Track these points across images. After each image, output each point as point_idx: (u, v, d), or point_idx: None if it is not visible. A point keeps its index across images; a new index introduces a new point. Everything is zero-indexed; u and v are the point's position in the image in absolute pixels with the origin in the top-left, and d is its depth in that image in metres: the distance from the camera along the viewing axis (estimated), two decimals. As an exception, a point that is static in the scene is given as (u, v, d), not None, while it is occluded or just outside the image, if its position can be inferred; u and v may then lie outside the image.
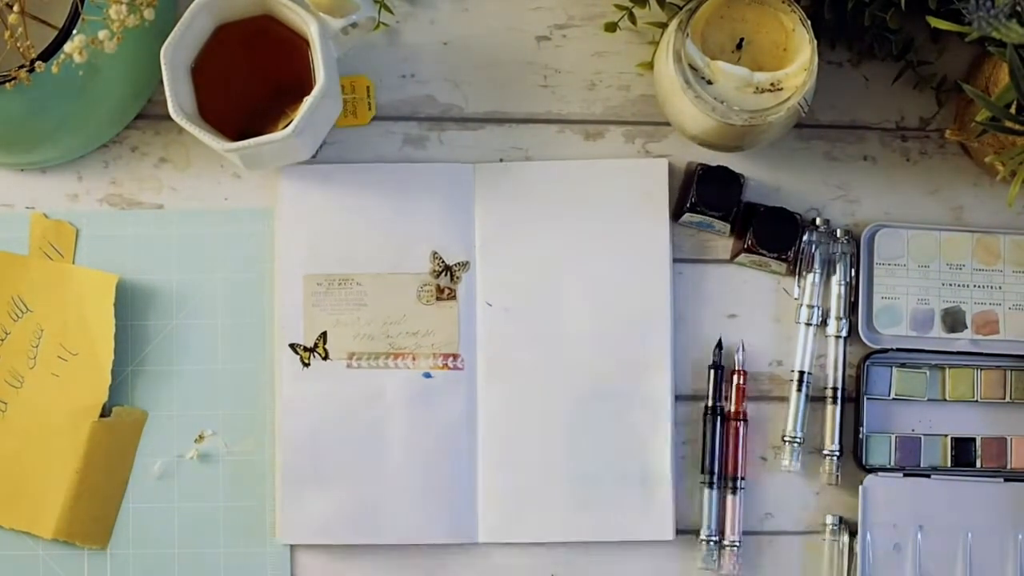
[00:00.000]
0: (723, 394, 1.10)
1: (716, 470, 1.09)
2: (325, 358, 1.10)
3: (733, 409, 1.10)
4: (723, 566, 1.09)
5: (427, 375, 1.10)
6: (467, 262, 1.10)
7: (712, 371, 1.10)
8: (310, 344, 1.10)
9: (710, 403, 1.10)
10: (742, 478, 1.09)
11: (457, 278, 1.10)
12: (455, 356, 1.10)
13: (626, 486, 1.09)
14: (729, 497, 1.09)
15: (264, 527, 1.09)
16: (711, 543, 1.09)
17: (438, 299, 1.10)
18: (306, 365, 1.10)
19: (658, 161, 1.11)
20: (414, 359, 1.10)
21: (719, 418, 1.10)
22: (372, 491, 1.09)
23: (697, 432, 1.10)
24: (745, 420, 1.10)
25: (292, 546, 1.09)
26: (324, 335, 1.10)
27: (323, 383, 1.09)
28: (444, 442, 1.09)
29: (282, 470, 1.09)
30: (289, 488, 1.08)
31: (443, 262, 1.10)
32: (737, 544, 1.09)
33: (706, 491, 1.09)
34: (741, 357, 1.10)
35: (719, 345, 1.10)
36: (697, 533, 1.09)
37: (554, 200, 1.11)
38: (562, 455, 1.09)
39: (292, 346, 1.10)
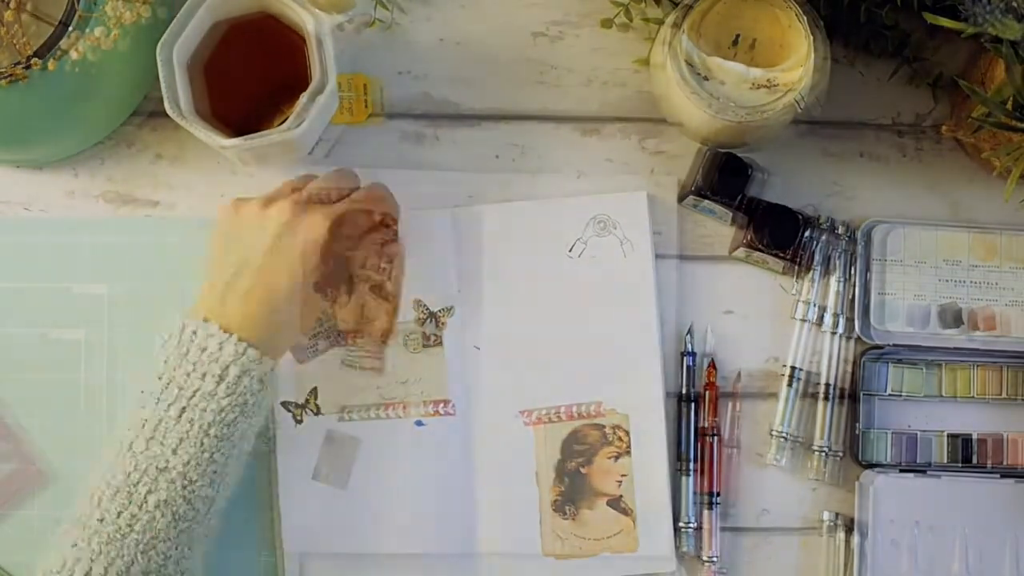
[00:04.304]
0: (694, 381, 1.10)
1: (691, 457, 1.09)
2: (317, 413, 1.09)
3: (707, 424, 1.09)
4: None
5: (419, 423, 1.08)
6: (451, 307, 1.09)
7: (683, 358, 1.10)
8: (301, 401, 1.09)
9: (683, 390, 1.09)
10: (718, 493, 1.09)
11: (442, 324, 1.09)
12: (446, 402, 1.09)
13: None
14: (706, 512, 1.09)
15: (257, 534, 1.09)
16: (691, 530, 1.08)
17: (425, 346, 1.09)
18: (299, 422, 1.09)
19: (637, 195, 1.10)
20: (405, 408, 1.09)
21: (692, 404, 1.09)
22: (371, 542, 1.07)
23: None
24: (718, 435, 1.09)
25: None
26: (315, 391, 1.09)
27: (317, 438, 1.08)
28: (441, 489, 1.07)
29: (286, 535, 1.07)
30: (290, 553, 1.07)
31: (427, 309, 1.09)
32: (715, 559, 1.08)
33: (682, 479, 1.09)
34: (713, 371, 1.10)
35: (690, 332, 1.10)
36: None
37: (534, 239, 1.10)
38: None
39: (284, 404, 1.09)
